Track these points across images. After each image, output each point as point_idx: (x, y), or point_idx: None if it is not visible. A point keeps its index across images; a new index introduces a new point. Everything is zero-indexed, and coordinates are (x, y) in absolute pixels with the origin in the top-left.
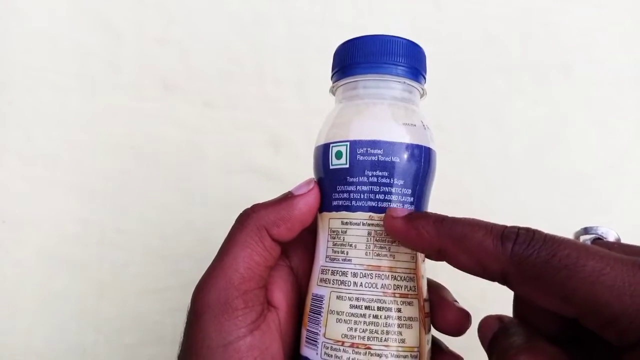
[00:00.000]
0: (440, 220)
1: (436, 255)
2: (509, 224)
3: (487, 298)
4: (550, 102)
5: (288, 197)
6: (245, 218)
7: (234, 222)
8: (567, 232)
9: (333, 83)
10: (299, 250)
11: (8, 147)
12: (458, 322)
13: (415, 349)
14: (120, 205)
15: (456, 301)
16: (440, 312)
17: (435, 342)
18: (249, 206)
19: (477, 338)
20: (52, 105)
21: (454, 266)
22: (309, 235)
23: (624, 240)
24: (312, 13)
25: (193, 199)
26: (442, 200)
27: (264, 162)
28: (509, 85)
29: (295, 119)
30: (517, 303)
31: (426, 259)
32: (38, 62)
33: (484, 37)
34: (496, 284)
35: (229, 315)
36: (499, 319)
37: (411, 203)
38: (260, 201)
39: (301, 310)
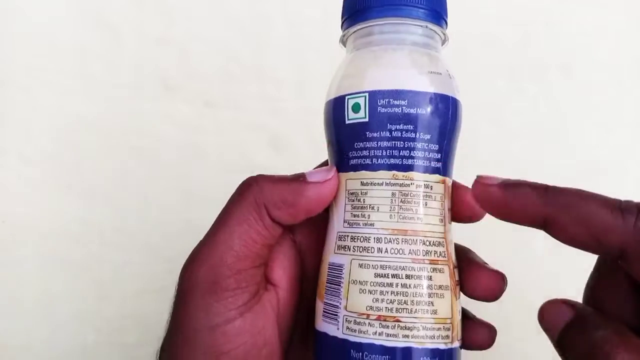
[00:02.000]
0: (544, 189)
1: (540, 226)
2: (508, 224)
3: None
4: (551, 102)
5: (300, 180)
6: (247, 189)
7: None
8: None
9: (343, 31)
10: (303, 221)
11: (8, 147)
12: (493, 285)
13: (448, 321)
14: (120, 205)
15: (486, 263)
16: (471, 276)
17: (464, 312)
18: (254, 174)
19: None
20: (52, 105)
21: (560, 239)
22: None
23: None
24: (312, 13)
25: (193, 199)
26: None
27: (264, 162)
28: (509, 85)
29: (295, 119)
30: (598, 286)
31: (453, 222)
32: (38, 62)
33: (485, 37)
34: None
35: (218, 295)
36: (569, 305)
37: (438, 160)
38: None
39: (305, 286)
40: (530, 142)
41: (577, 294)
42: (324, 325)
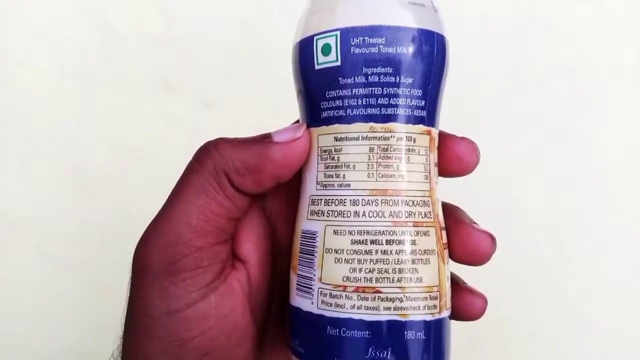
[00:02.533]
0: None
1: None
2: (508, 224)
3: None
4: (552, 102)
5: (265, 142)
6: (204, 155)
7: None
8: (568, 231)
9: None
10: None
11: (8, 147)
12: (480, 247)
13: (435, 288)
14: (120, 205)
15: (475, 222)
16: (458, 238)
17: (453, 279)
18: (213, 138)
19: (481, 327)
20: (52, 105)
21: None
22: None
23: (629, 240)
24: None
25: None
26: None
27: None
28: (509, 85)
29: (295, 119)
30: None
31: (440, 180)
32: (38, 62)
33: (485, 37)
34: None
35: (175, 277)
36: None
37: (422, 108)
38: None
39: (279, 260)
40: (531, 142)
41: (577, 293)
42: (297, 300)
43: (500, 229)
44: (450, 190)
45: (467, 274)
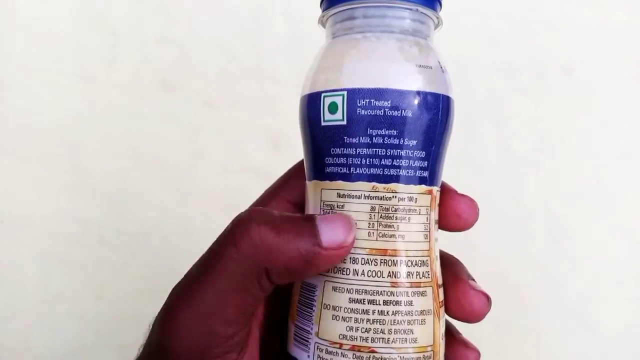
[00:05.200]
0: None
1: None
2: (508, 224)
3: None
4: (552, 101)
5: (312, 245)
6: (247, 245)
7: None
8: (568, 231)
9: (323, 11)
10: None
11: (8, 147)
12: (475, 307)
13: (429, 349)
14: (119, 205)
15: (473, 279)
16: (454, 296)
17: (448, 329)
18: (249, 212)
19: (482, 328)
20: (52, 105)
21: None
22: (290, 209)
23: (629, 240)
24: (312, 12)
25: (193, 199)
26: None
27: (264, 162)
28: (509, 85)
29: (295, 119)
30: None
31: (439, 238)
32: (38, 62)
33: (485, 37)
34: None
35: None
36: None
37: (424, 169)
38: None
39: (280, 302)
40: (531, 142)
41: (576, 295)
42: (295, 350)
43: (500, 229)
44: None
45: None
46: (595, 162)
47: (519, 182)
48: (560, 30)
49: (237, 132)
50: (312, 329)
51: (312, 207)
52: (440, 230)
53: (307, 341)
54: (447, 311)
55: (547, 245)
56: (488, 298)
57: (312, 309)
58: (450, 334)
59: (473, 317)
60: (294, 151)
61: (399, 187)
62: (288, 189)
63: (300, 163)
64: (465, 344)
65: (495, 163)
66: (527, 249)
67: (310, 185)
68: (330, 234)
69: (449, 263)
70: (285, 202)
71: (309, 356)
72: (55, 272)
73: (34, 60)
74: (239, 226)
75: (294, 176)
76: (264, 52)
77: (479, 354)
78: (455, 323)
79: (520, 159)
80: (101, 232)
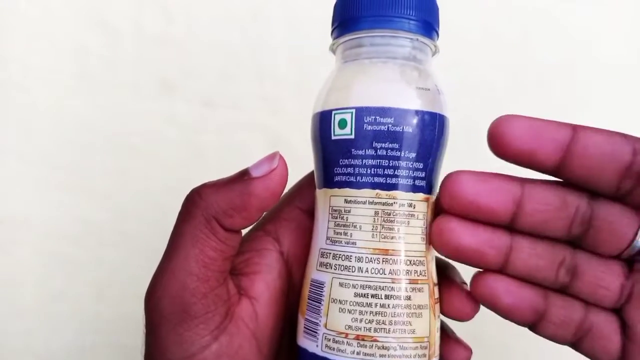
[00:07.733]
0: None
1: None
2: None
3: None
4: (551, 101)
5: (244, 180)
6: (192, 205)
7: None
8: None
9: (333, 39)
10: (290, 232)
11: (8, 147)
12: (465, 308)
13: (425, 339)
14: (119, 205)
15: (465, 283)
16: (447, 296)
17: (442, 328)
18: (197, 185)
19: (481, 325)
20: (52, 105)
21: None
22: (301, 215)
23: None
24: (312, 12)
25: None
26: None
27: None
28: (509, 84)
29: (294, 119)
30: None
31: None
32: (38, 62)
33: (485, 36)
34: None
35: (188, 324)
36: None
37: (422, 179)
38: None
39: (292, 298)
40: None
41: None
42: (304, 341)
43: None
44: None
45: (466, 272)
46: None
47: None
48: (560, 29)
49: (237, 132)
50: (320, 321)
51: (321, 213)
52: None
53: (316, 332)
54: (441, 310)
55: None
56: (477, 302)
57: (320, 303)
58: (445, 333)
59: (462, 317)
60: (294, 151)
61: (399, 194)
62: (300, 197)
63: (311, 174)
64: (458, 342)
65: (495, 163)
66: None
67: (320, 193)
68: (258, 168)
69: (445, 267)
70: (297, 209)
71: (317, 345)
72: (55, 272)
73: (34, 61)
74: (187, 199)
75: (306, 185)
76: (264, 52)
77: (470, 351)
78: (455, 323)
79: None
80: (101, 232)
